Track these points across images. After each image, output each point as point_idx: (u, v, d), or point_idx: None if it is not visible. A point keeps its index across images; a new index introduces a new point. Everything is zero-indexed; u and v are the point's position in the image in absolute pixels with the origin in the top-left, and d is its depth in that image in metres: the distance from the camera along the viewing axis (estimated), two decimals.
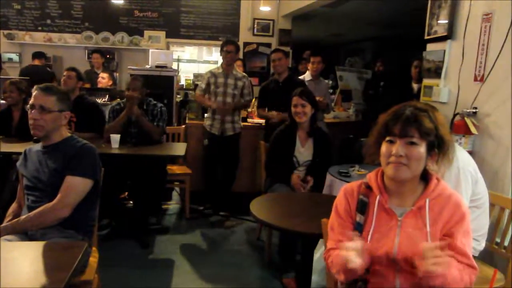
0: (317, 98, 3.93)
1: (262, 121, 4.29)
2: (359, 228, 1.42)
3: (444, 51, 2.92)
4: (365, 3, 6.21)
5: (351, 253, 1.26)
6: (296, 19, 6.97)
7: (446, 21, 2.88)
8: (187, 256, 3.13)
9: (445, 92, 2.89)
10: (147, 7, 6.73)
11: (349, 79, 6.08)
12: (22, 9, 6.53)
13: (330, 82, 6.07)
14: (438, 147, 1.35)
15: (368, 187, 1.45)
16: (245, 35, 6.86)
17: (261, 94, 4.04)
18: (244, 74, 4.14)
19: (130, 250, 3.16)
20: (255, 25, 6.84)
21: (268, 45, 6.85)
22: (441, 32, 2.94)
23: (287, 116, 3.15)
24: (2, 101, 3.80)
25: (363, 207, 1.43)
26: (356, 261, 1.25)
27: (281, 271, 2.84)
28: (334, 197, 1.59)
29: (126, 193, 3.63)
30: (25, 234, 1.88)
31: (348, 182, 2.33)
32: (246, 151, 4.23)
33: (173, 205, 4.24)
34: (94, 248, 2.07)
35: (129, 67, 5.01)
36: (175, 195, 4.49)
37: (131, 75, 4.11)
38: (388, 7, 6.37)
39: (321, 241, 1.78)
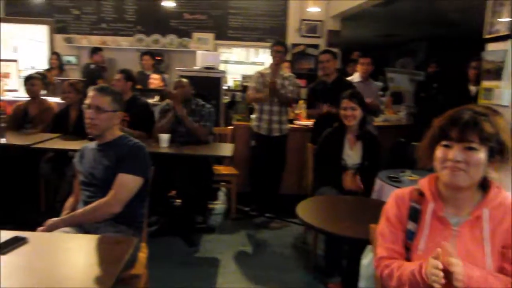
0: (367, 100, 3.84)
1: (309, 123, 4.24)
2: (410, 236, 1.37)
3: (506, 51, 2.75)
4: (417, 2, 5.99)
5: (439, 273, 1.19)
6: (345, 20, 6.84)
7: (509, 19, 2.71)
8: (232, 256, 3.15)
9: (507, 95, 2.72)
10: (196, 10, 6.87)
11: (400, 81, 5.89)
12: (80, 15, 6.87)
13: (380, 84, 5.92)
14: (499, 154, 1.27)
15: (421, 194, 1.39)
16: (292, 37, 6.83)
17: (310, 95, 4.01)
18: (291, 74, 4.12)
19: (177, 247, 3.23)
20: (303, 26, 6.79)
21: (316, 46, 6.78)
22: (503, 31, 2.77)
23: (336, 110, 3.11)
24: (62, 101, 4.01)
25: (415, 215, 1.38)
26: (442, 282, 1.18)
27: (326, 275, 2.79)
28: (383, 202, 1.54)
29: (174, 191, 3.71)
30: (81, 227, 1.96)
31: (398, 187, 2.26)
32: (293, 153, 4.20)
33: (219, 205, 4.29)
34: (143, 244, 2.12)
35: (177, 68, 5.13)
36: (221, 195, 4.54)
37: (180, 76, 4.21)
38: (443, 5, 6.10)
39: (369, 247, 1.73)
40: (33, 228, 1.80)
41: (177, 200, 3.65)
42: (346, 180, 2.85)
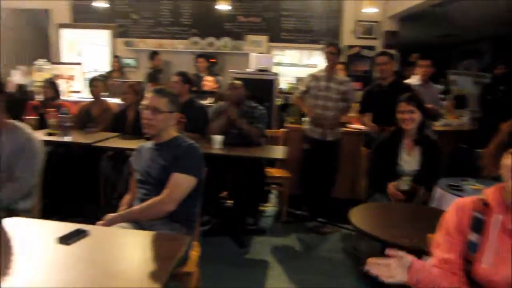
0: (427, 106, 3.71)
1: (363, 126, 4.14)
2: (472, 248, 1.28)
3: None
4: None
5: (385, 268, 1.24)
6: (403, 20, 6.60)
7: None
8: (282, 259, 3.13)
9: None
10: (250, 13, 6.93)
11: (464, 83, 5.61)
12: (139, 19, 7.17)
13: (441, 87, 5.65)
14: None
15: (485, 204, 1.30)
16: (347, 38, 6.70)
17: (364, 99, 3.90)
18: (347, 78, 4.03)
19: (228, 248, 3.26)
20: (358, 28, 6.65)
21: (372, 48, 6.61)
22: None
23: (386, 131, 3.02)
24: (121, 102, 4.18)
25: (478, 226, 1.29)
26: (395, 276, 1.24)
27: (378, 284, 2.69)
28: (442, 211, 1.46)
29: (226, 192, 3.76)
30: (137, 223, 2.02)
31: (460, 196, 2.14)
32: (346, 157, 4.10)
33: (270, 208, 4.28)
34: (195, 243, 2.16)
35: (230, 70, 5.20)
36: (272, 197, 4.53)
37: (233, 78, 4.27)
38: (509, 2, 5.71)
39: (425, 257, 1.65)
40: (92, 222, 1.88)
41: (229, 201, 3.69)
42: (389, 189, 2.75)
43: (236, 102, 3.57)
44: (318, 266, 3.08)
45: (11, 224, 1.71)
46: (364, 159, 3.27)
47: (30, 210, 2.25)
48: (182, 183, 2.04)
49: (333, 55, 3.84)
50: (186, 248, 1.65)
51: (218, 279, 2.75)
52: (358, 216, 2.10)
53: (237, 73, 4.86)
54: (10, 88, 5.14)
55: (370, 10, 6.14)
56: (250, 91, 3.74)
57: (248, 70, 5.05)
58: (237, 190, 3.40)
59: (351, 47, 6.67)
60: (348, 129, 4.34)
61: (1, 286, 1.25)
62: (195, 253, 2.09)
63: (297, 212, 4.05)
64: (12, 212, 1.89)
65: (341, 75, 4.09)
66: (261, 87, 4.69)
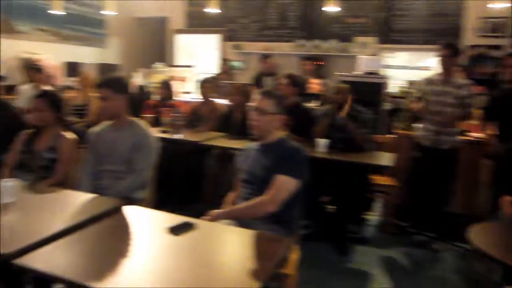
0: None
1: (483, 135, 3.72)
2: None
3: None
4: None
5: None
6: None
7: None
8: (386, 273, 2.93)
9: None
10: (359, 13, 6.69)
11: None
12: (248, 23, 7.40)
13: None
14: None
15: None
16: (470, 38, 6.08)
17: (490, 105, 3.48)
18: (467, 81, 3.63)
19: (328, 254, 3.16)
20: (484, 25, 6.00)
21: (500, 47, 5.91)
22: None
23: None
24: (228, 103, 4.32)
25: None
26: None
27: None
28: None
29: (329, 197, 3.66)
30: (238, 220, 2.05)
31: None
32: (464, 167, 3.69)
33: (374, 217, 4.04)
34: (295, 245, 2.12)
35: (337, 73, 5.07)
36: (377, 206, 4.29)
37: (340, 81, 4.15)
38: None
39: None
40: (197, 217, 1.94)
41: (331, 207, 3.58)
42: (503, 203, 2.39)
43: (341, 105, 3.46)
44: (426, 285, 2.82)
45: (129, 212, 1.87)
46: (486, 171, 2.92)
47: (144, 200, 2.43)
48: (285, 185, 2.03)
49: (449, 57, 3.50)
50: (287, 249, 1.61)
51: (317, 285, 2.67)
52: (480, 235, 1.85)
53: (344, 75, 4.73)
54: (132, 88, 5.66)
55: (499, 6, 5.47)
56: (357, 95, 3.61)
57: (355, 72, 4.89)
58: (340, 196, 3.29)
59: (474, 46, 6.05)
60: (467, 138, 3.92)
61: (117, 269, 1.34)
62: (294, 255, 2.05)
63: (404, 224, 3.77)
64: (129, 201, 2.05)
65: (459, 78, 3.71)
66: (369, 90, 4.50)
